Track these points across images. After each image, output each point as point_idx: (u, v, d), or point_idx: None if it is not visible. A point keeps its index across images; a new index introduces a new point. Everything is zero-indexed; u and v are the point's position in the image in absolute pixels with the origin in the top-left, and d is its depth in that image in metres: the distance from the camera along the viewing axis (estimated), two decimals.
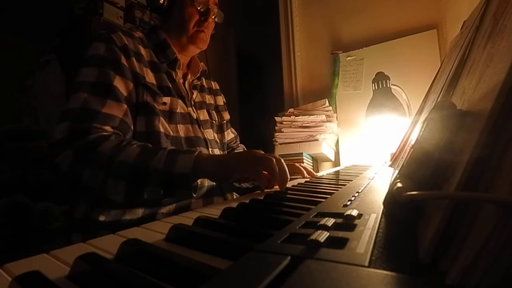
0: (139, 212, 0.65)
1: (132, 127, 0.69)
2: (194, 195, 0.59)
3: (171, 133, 0.75)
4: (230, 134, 1.06)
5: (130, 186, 0.56)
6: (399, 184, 0.23)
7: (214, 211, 0.41)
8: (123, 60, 0.69)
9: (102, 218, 0.64)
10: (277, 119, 1.39)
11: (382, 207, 0.29)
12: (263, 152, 0.62)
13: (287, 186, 0.58)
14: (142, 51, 0.76)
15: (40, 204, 1.20)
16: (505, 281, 0.12)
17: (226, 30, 2.39)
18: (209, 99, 0.98)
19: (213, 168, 0.58)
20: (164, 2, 0.80)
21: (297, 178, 0.84)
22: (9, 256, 0.25)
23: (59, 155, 0.58)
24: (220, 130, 0.98)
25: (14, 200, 1.15)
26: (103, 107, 0.63)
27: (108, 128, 0.63)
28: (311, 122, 1.32)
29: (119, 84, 0.67)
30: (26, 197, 1.18)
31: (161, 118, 0.73)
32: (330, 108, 1.35)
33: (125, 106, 0.67)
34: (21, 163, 1.23)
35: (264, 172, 0.56)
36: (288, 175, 0.57)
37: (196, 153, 0.58)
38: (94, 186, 0.57)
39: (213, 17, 0.84)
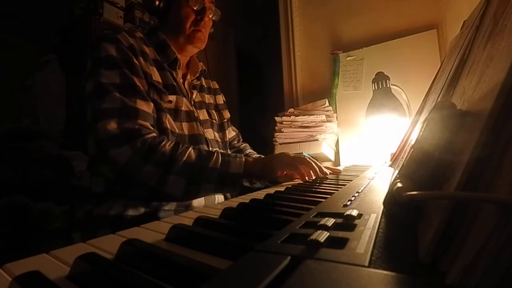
0: (141, 209, 0.66)
1: None
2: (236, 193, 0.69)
3: (177, 131, 0.76)
4: (231, 132, 1.07)
5: (190, 183, 0.64)
6: (399, 184, 0.23)
7: (214, 211, 0.41)
8: (134, 60, 0.70)
9: (104, 214, 0.65)
10: (277, 119, 1.39)
11: (382, 207, 0.29)
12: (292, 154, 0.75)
13: (288, 185, 0.60)
14: (146, 50, 0.77)
15: (40, 204, 1.20)
16: (505, 281, 0.12)
17: (226, 30, 2.39)
18: (208, 98, 0.98)
19: (261, 168, 0.69)
20: (159, 3, 0.81)
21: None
22: (9, 256, 0.25)
23: (114, 150, 0.62)
24: (221, 129, 0.99)
25: (14, 200, 1.15)
26: (137, 105, 0.66)
27: (148, 124, 0.67)
28: (311, 122, 1.32)
29: (139, 84, 0.69)
30: (26, 197, 1.18)
31: (168, 115, 0.74)
32: (330, 108, 1.35)
33: (152, 104, 0.70)
34: (21, 163, 1.23)
35: (302, 167, 0.69)
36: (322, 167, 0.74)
37: (244, 157, 0.69)
38: (151, 181, 0.63)
39: (210, 15, 0.84)
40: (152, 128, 0.68)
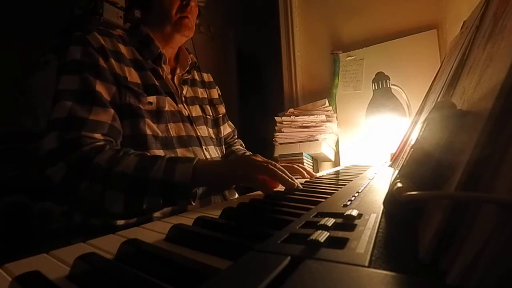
0: (132, 219, 0.64)
1: (122, 131, 0.66)
2: (193, 203, 0.57)
3: (160, 134, 0.71)
4: (227, 128, 1.02)
5: (129, 196, 0.55)
6: (399, 184, 0.23)
7: (214, 211, 0.41)
8: (102, 63, 0.66)
9: (97, 222, 0.64)
10: (277, 119, 1.39)
11: (382, 207, 0.29)
12: (261, 158, 0.60)
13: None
14: (123, 49, 0.72)
15: (40, 204, 1.20)
16: (505, 281, 0.12)
17: (226, 30, 2.39)
18: (202, 93, 0.93)
19: (211, 178, 0.57)
20: None
21: (298, 178, 0.83)
22: (9, 256, 0.25)
23: (51, 167, 0.57)
24: (216, 124, 0.94)
25: (14, 200, 1.15)
26: (90, 114, 0.61)
27: (98, 135, 0.61)
28: (311, 122, 1.32)
29: (101, 89, 0.64)
30: (26, 197, 1.18)
31: (147, 120, 0.69)
32: (330, 108, 1.35)
33: (112, 110, 0.64)
34: (21, 163, 1.23)
35: (261, 177, 0.53)
36: (289, 176, 0.55)
37: (195, 161, 0.56)
38: (91, 197, 0.56)
39: (195, 1, 0.80)
40: (100, 137, 0.61)
